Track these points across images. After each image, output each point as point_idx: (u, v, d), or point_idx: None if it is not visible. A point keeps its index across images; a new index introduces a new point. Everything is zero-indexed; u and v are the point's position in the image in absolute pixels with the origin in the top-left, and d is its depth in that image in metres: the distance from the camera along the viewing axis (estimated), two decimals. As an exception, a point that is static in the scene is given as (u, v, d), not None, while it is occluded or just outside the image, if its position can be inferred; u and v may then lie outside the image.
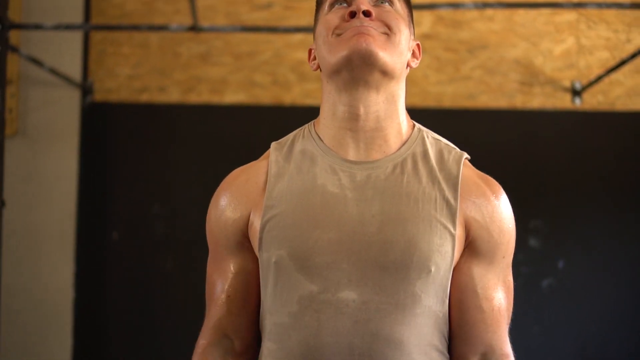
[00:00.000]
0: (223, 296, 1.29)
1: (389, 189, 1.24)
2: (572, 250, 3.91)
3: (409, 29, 1.31)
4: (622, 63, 3.65)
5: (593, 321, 3.91)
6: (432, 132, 1.35)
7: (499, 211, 1.26)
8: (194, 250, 3.97)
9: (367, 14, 1.25)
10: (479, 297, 1.22)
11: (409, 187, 1.24)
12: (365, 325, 1.17)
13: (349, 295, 1.18)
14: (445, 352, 1.24)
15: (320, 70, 1.34)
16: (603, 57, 4.10)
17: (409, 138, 1.31)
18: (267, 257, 1.25)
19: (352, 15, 1.26)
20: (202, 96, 4.07)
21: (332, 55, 1.26)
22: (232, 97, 4.07)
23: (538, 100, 4.08)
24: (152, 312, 3.97)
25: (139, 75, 4.06)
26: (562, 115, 4.06)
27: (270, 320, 1.25)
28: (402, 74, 1.31)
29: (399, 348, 1.17)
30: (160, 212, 3.99)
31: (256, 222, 1.28)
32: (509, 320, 1.28)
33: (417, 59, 1.34)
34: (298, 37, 4.03)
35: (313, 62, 1.37)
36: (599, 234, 3.95)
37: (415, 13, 3.08)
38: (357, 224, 1.21)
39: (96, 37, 4.05)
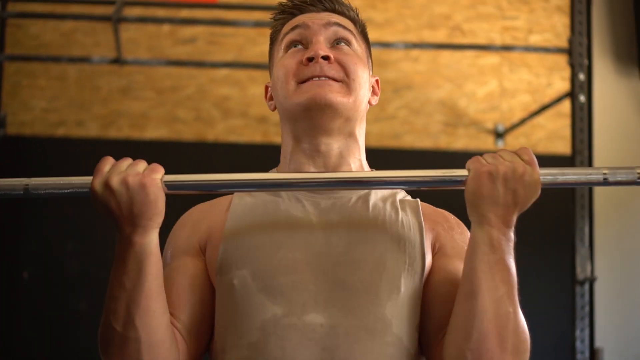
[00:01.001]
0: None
1: (355, 213, 1.22)
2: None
3: (368, 66, 1.29)
4: (544, 108, 3.72)
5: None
6: None
7: (456, 222, 1.30)
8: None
9: (325, 58, 1.22)
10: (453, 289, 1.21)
11: (374, 211, 1.22)
12: (334, 353, 1.10)
13: (315, 318, 1.11)
14: None
15: (278, 110, 1.32)
16: (525, 100, 4.16)
17: None
18: (227, 280, 1.17)
19: (310, 59, 1.23)
20: (122, 131, 3.96)
21: (291, 103, 1.24)
22: (154, 132, 3.97)
23: (462, 141, 4.11)
24: (65, 354, 3.80)
25: (55, 109, 3.92)
26: (485, 157, 4.09)
27: (224, 358, 1.16)
28: (363, 114, 1.31)
29: None
30: (74, 250, 3.84)
31: (218, 244, 1.23)
32: None
33: (377, 95, 1.33)
34: (222, 72, 3.97)
35: (270, 102, 1.35)
36: (518, 277, 3.96)
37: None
38: (323, 245, 1.17)
39: (10, 68, 3.90)
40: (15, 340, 3.78)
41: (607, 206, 4.07)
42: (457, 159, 4.06)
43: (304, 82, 1.22)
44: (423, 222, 1.24)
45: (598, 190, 4.04)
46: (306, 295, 1.13)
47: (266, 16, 3.86)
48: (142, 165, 1.15)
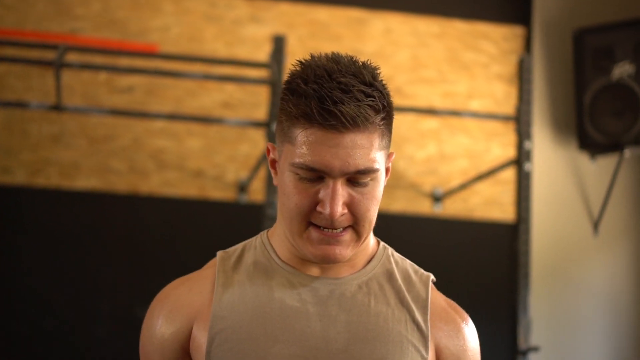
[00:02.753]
0: None
1: (356, 307, 1.14)
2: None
3: (386, 162, 1.17)
4: (486, 174, 3.73)
5: None
6: (395, 251, 1.27)
7: (469, 341, 1.21)
8: (32, 347, 3.65)
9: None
10: None
11: (377, 306, 1.15)
12: None
13: None
14: None
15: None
16: (463, 165, 4.18)
17: (374, 255, 1.22)
18: None
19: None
20: (51, 179, 3.81)
21: (298, 243, 1.13)
22: (84, 182, 3.83)
23: (400, 203, 4.09)
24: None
25: (-20, 153, 3.77)
26: (423, 221, 4.08)
27: None
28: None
29: None
30: (-6, 304, 3.66)
31: (201, 336, 1.13)
32: None
33: (389, 173, 1.21)
34: (159, 124, 3.87)
35: (274, 176, 1.18)
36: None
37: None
38: (320, 341, 1.10)
39: (-64, 108, 3.74)
40: None
41: (544, 276, 4.08)
42: (394, 220, 4.05)
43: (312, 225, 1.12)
44: (429, 327, 1.17)
45: (535, 259, 4.05)
46: None
47: (207, 69, 3.81)
48: None
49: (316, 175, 1.07)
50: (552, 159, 4.15)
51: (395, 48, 4.17)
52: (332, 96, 1.03)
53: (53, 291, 3.73)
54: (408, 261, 1.25)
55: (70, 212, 3.80)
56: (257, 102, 3.94)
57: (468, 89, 4.21)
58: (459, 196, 4.14)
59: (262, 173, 3.62)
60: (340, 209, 1.07)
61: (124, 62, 3.81)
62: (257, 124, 3.24)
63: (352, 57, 1.09)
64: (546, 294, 4.07)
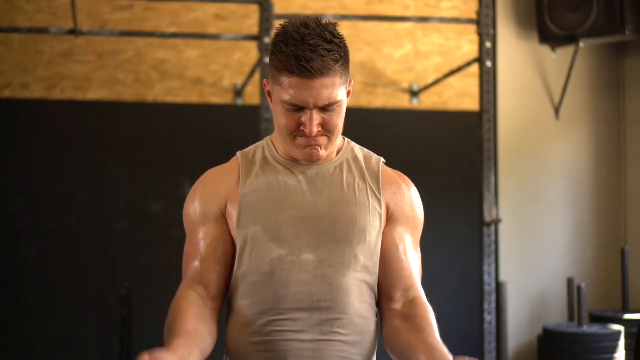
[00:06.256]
0: (198, 258, 1.64)
1: (334, 182, 1.66)
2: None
3: (346, 89, 1.62)
4: (454, 71, 4.13)
5: (428, 296, 4.39)
6: (355, 143, 1.76)
7: (409, 194, 1.73)
8: (58, 240, 4.12)
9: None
10: (399, 252, 1.67)
11: (347, 180, 1.67)
12: (322, 278, 1.60)
13: (308, 256, 1.60)
14: (374, 307, 1.67)
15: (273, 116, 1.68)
16: (437, 62, 4.57)
17: (341, 147, 1.72)
18: (244, 233, 1.63)
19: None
20: (65, 93, 4.20)
21: (288, 148, 1.64)
22: (95, 93, 4.23)
23: (381, 99, 4.50)
24: (18, 301, 4.08)
25: (0, 72, 4.14)
26: (402, 114, 4.50)
27: (244, 281, 1.62)
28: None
29: (344, 293, 1.60)
30: (24, 204, 4.10)
31: (233, 209, 1.65)
32: (420, 275, 1.73)
33: (350, 94, 1.68)
34: (159, 38, 4.21)
35: (269, 99, 1.68)
36: (433, 220, 4.42)
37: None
38: (312, 206, 1.63)
39: (-43, 33, 4.09)
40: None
41: (510, 157, 4.53)
42: (376, 115, 4.46)
43: (298, 136, 1.63)
44: (381, 191, 1.68)
45: (502, 143, 4.50)
46: (301, 242, 1.61)
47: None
48: None
49: (298, 107, 1.57)
50: (516, 53, 4.55)
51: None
52: (304, 55, 1.53)
53: (75, 191, 4.17)
54: (365, 149, 1.76)
55: (84, 120, 4.20)
56: (247, 12, 4.29)
57: (439, -9, 4.55)
58: (434, 90, 4.55)
59: (255, 78, 4.00)
60: (315, 129, 1.58)
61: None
62: (249, 37, 3.61)
63: (318, 20, 1.58)
64: (512, 173, 4.53)
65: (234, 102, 4.34)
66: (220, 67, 4.35)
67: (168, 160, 4.23)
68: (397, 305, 1.65)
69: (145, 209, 4.21)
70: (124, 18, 4.25)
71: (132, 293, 3.97)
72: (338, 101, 1.58)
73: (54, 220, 4.11)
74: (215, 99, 4.34)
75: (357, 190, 1.67)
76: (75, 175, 4.18)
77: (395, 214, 1.69)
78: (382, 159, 1.74)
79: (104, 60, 4.24)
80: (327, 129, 1.60)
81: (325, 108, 1.58)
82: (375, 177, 1.70)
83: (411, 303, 1.64)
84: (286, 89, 1.55)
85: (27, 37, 4.13)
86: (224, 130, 4.19)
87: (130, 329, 3.93)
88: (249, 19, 4.26)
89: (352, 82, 1.66)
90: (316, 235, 1.61)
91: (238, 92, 4.32)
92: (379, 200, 1.67)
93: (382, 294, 1.67)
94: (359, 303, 1.62)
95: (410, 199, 1.73)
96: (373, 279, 1.65)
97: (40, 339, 4.07)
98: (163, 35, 3.94)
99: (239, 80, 4.32)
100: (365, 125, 4.35)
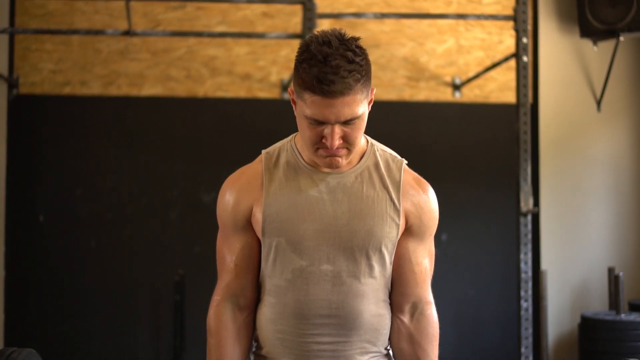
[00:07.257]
0: (232, 265, 1.76)
1: (354, 193, 1.72)
2: (453, 225, 4.48)
3: (367, 100, 1.66)
4: (496, 64, 4.22)
5: (470, 285, 4.51)
6: (379, 144, 1.80)
7: (428, 203, 1.78)
8: (116, 229, 4.34)
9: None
10: (412, 263, 1.75)
11: (367, 191, 1.73)
12: (340, 287, 1.70)
13: (327, 268, 1.70)
14: (388, 301, 1.77)
15: (298, 124, 1.74)
16: (479, 56, 4.67)
17: (364, 152, 1.76)
18: (269, 242, 1.72)
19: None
20: (121, 89, 4.41)
21: (312, 157, 1.70)
22: (150, 90, 4.43)
23: (423, 93, 4.61)
24: (78, 287, 4.31)
25: (61, 70, 4.37)
26: (444, 107, 4.61)
27: (270, 282, 1.74)
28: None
29: (361, 300, 1.71)
30: (83, 196, 4.33)
31: (258, 214, 1.72)
32: (431, 275, 1.82)
33: (371, 102, 1.73)
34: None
35: (294, 106, 1.72)
36: (474, 211, 4.53)
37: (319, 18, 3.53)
38: (332, 219, 1.70)
39: (20, 34, 4.32)
40: (31, 275, 4.29)
41: (552, 149, 4.60)
42: (419, 109, 4.58)
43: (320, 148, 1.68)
44: (401, 200, 1.73)
45: (544, 135, 4.57)
46: (321, 254, 1.70)
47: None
48: None
49: (320, 122, 1.62)
50: (557, 47, 4.61)
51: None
52: (326, 78, 1.57)
53: (131, 183, 4.38)
54: (388, 151, 1.81)
55: (139, 116, 4.41)
56: (293, 10, 4.44)
57: (480, -13, 4.64)
58: (476, 84, 4.64)
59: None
60: (337, 142, 1.64)
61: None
62: (293, 36, 3.77)
63: (342, 36, 1.62)
64: (555, 164, 4.60)
65: (281, 97, 4.49)
66: (267, 64, 4.51)
67: (218, 152, 4.41)
68: (406, 318, 1.76)
69: (197, 199, 4.40)
70: (176, 17, 4.43)
71: (185, 279, 4.17)
72: (359, 115, 1.63)
73: (111, 210, 4.33)
74: (263, 94, 4.50)
75: (376, 202, 1.72)
76: (131, 167, 4.39)
77: (413, 226, 1.75)
78: (405, 161, 1.79)
79: (158, 58, 4.43)
80: (348, 142, 1.64)
81: (346, 123, 1.62)
82: (397, 186, 1.75)
83: (418, 320, 1.76)
84: (309, 106, 1.60)
85: (85, 38, 4.34)
86: (271, 124, 4.30)
87: (183, 313, 4.13)
88: (296, 16, 4.42)
89: (374, 90, 1.70)
90: (335, 248, 1.69)
91: (285, 87, 4.48)
92: (397, 211, 1.73)
93: (392, 301, 1.78)
94: (374, 305, 1.72)
95: (429, 208, 1.78)
96: (388, 279, 1.75)
97: (98, 323, 4.29)
98: (212, 34, 4.12)
99: (286, 76, 4.47)
100: (408, 118, 4.48)
